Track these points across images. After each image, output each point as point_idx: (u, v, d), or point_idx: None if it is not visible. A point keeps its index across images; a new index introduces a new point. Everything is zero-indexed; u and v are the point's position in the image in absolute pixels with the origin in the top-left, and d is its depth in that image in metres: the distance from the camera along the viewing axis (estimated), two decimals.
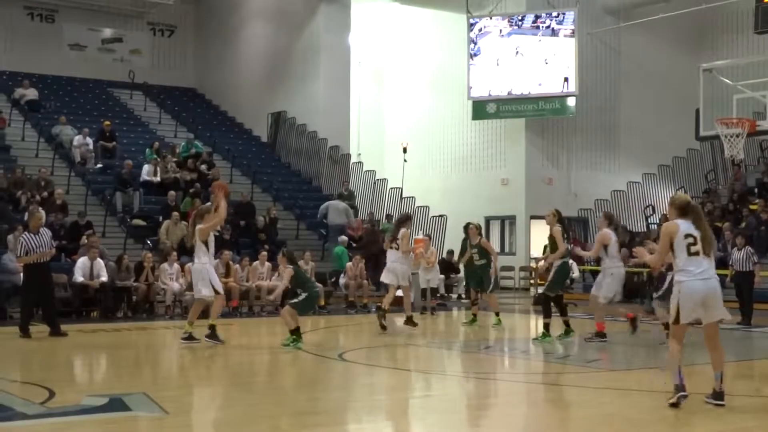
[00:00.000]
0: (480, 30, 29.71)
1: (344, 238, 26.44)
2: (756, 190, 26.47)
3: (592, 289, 15.07)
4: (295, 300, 14.02)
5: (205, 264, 13.84)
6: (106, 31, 35.08)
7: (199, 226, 13.84)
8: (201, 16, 36.31)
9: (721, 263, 21.65)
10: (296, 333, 13.78)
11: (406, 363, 13.32)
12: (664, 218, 26.85)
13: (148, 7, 34.65)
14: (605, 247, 14.30)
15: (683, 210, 8.95)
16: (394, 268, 16.58)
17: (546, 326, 14.76)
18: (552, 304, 15.08)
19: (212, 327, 13.96)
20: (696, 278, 8.79)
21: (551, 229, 14.93)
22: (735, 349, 13.08)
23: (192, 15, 36.53)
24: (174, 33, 36.40)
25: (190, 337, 13.91)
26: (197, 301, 14.35)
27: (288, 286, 14.04)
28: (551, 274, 14.98)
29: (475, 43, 29.73)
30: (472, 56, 29.79)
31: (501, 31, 29.50)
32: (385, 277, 16.72)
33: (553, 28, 28.92)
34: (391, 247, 16.74)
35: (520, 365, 13.19)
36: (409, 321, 16.90)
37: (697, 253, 8.80)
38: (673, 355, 8.92)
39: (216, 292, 13.98)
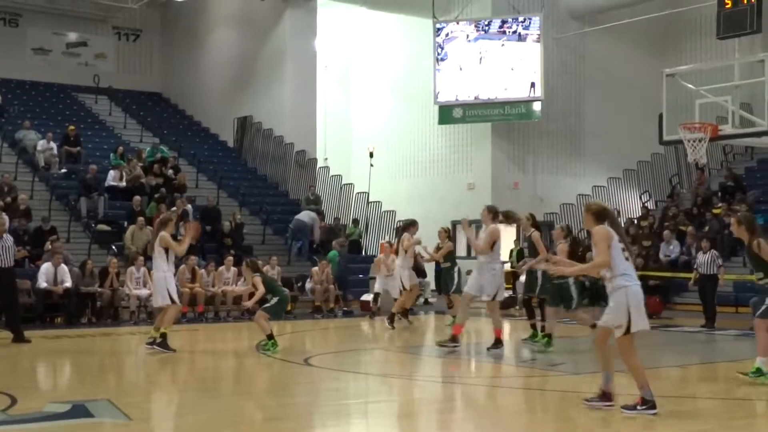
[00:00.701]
0: (447, 35, 29.79)
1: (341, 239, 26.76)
2: (719, 194, 26.74)
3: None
4: (267, 304, 14.07)
5: (164, 272, 13.72)
6: (70, 35, 34.81)
7: (161, 234, 13.75)
8: (166, 20, 36.14)
9: (685, 266, 21.91)
10: (272, 337, 13.83)
11: (372, 367, 13.31)
12: (630, 222, 27.07)
13: (113, 11, 34.41)
14: (493, 244, 14.03)
15: (600, 216, 8.83)
16: (399, 274, 17.53)
17: (542, 328, 14.84)
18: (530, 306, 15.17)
19: (164, 335, 13.79)
20: (637, 283, 8.73)
21: (530, 235, 14.87)
22: (698, 352, 13.18)
23: (157, 19, 36.35)
24: (139, 37, 36.19)
25: (153, 342, 13.81)
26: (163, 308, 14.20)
27: (265, 294, 14.10)
28: (540, 279, 14.90)
29: (442, 48, 29.81)
30: (438, 61, 29.86)
31: (468, 36, 29.58)
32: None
33: (519, 33, 29.04)
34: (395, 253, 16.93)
35: (486, 369, 13.22)
36: (391, 319, 17.69)
37: (627, 259, 8.78)
38: (637, 371, 8.65)
39: (172, 301, 13.82)
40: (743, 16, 18.71)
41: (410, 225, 17.36)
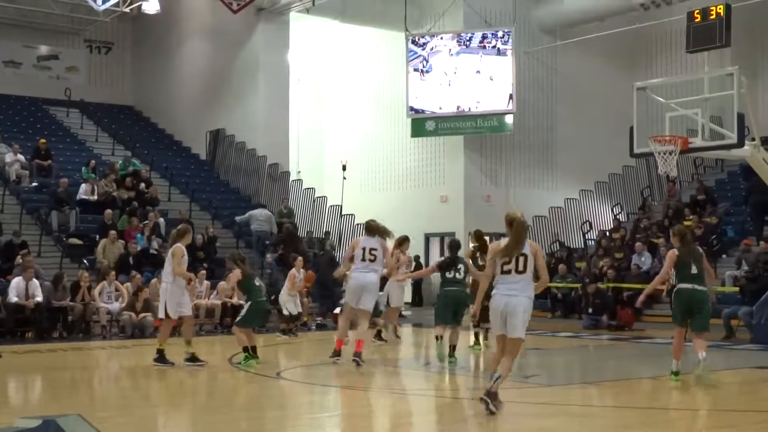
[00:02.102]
0: (432, 49, 29.85)
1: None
2: (690, 206, 26.92)
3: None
4: (239, 316, 14.01)
5: (168, 284, 13.32)
6: (41, 48, 34.62)
7: (176, 245, 13.38)
8: (138, 33, 36.02)
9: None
10: (250, 351, 13.61)
11: (345, 380, 13.26)
12: (602, 234, 27.23)
13: (85, 24, 34.28)
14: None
15: (509, 225, 9.31)
16: (388, 289, 17.28)
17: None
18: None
19: (160, 351, 13.58)
20: (501, 294, 9.16)
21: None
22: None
23: (129, 32, 36.23)
24: (111, 50, 36.04)
25: (192, 359, 13.55)
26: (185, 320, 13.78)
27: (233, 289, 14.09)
28: None
29: (427, 61, 29.85)
30: (423, 72, 29.88)
31: (450, 50, 29.68)
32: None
33: (498, 48, 29.14)
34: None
35: (458, 381, 13.21)
36: (379, 334, 17.54)
37: (509, 272, 9.13)
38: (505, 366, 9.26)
39: (167, 315, 13.43)
40: (712, 30, 18.85)
41: (403, 241, 17.18)
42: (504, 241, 9.29)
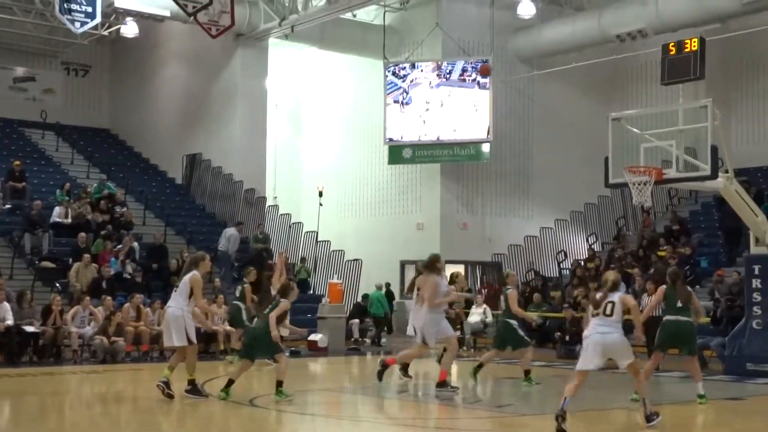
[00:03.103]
0: (412, 81, 29.91)
1: (380, 283, 27.16)
2: (665, 236, 27.03)
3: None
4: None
5: (183, 311, 12.65)
6: (18, 70, 34.48)
7: (194, 273, 12.68)
8: (116, 56, 35.96)
9: None
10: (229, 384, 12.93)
11: (318, 408, 13.19)
12: (576, 264, 27.30)
13: (62, 46, 34.19)
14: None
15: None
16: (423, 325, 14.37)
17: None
18: None
19: (192, 381, 12.90)
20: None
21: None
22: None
23: (107, 55, 36.16)
24: (88, 73, 35.94)
25: (167, 383, 12.73)
26: (179, 348, 12.97)
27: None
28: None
29: (407, 93, 29.90)
30: (403, 104, 29.92)
31: (430, 82, 29.74)
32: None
33: (479, 81, 29.23)
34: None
35: (432, 411, 13.16)
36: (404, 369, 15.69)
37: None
38: None
39: (189, 342, 12.78)
40: (687, 62, 19.00)
41: (435, 262, 14.85)
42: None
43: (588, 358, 10.55)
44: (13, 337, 18.61)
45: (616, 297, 10.79)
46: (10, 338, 18.57)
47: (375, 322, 26.07)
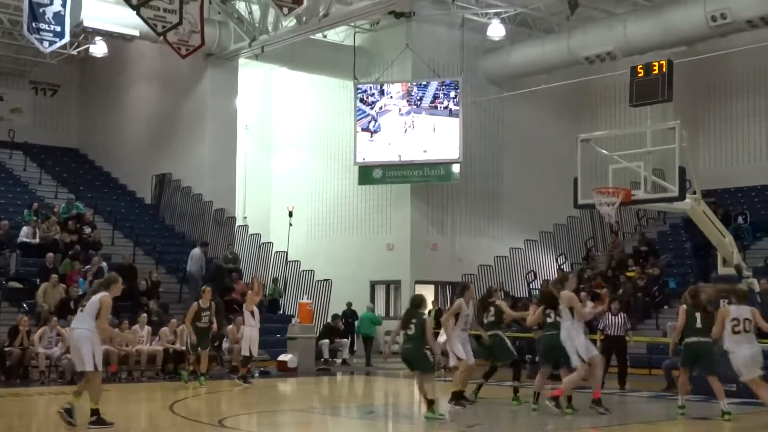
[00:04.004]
0: (381, 108, 30.04)
1: (371, 305, 28.01)
2: (633, 257, 27.26)
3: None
4: None
5: (91, 332, 11.63)
6: None
7: (103, 295, 11.72)
8: (85, 76, 35.85)
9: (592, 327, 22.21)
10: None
11: (288, 429, 13.18)
12: (545, 284, 27.41)
13: (30, 65, 34.05)
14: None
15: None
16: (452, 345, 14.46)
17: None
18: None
19: (96, 411, 11.86)
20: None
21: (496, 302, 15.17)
22: (611, 414, 13.33)
23: (76, 75, 36.04)
24: (57, 92, 35.79)
25: (71, 410, 11.78)
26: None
27: None
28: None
29: (376, 120, 30.01)
30: (372, 132, 30.02)
31: (400, 110, 29.87)
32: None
33: (450, 109, 29.39)
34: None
35: (401, 430, 13.18)
36: (459, 397, 14.55)
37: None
38: None
39: (95, 367, 11.70)
40: (655, 85, 19.29)
41: (465, 289, 14.97)
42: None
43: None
44: None
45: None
46: None
47: (364, 341, 26.64)
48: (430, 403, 12.89)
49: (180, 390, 17.37)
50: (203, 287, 19.64)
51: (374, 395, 18.20)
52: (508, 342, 15.26)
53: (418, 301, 13.49)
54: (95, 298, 11.77)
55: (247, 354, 19.03)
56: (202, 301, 18.67)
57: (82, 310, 11.91)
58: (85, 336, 11.64)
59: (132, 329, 20.68)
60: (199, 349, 18.57)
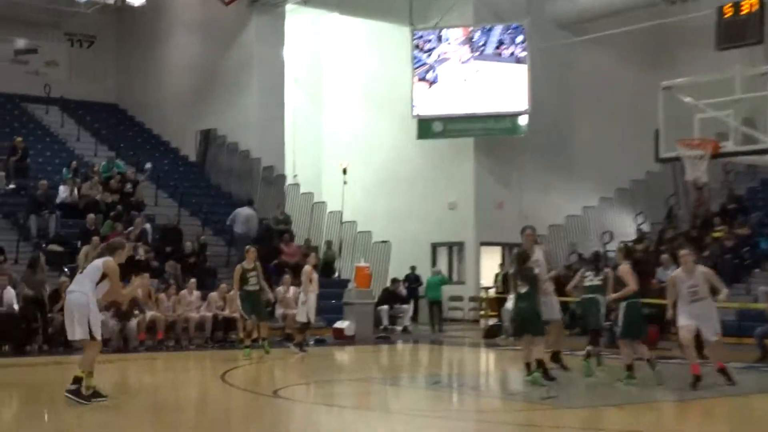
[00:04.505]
0: (439, 56, 29.84)
1: (437, 269, 27.93)
2: (719, 215, 26.80)
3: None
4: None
5: (89, 299, 11.33)
6: (19, 42, 34.56)
7: (107, 259, 11.49)
8: (122, 26, 35.97)
9: None
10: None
11: (346, 400, 13.20)
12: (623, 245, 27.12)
13: (66, 16, 34.24)
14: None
15: None
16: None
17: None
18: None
19: (79, 380, 11.47)
20: None
21: (619, 268, 14.12)
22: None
23: (113, 25, 36.17)
24: (93, 44, 35.99)
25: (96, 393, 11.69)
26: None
27: None
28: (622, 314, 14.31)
29: (434, 70, 29.84)
30: (430, 83, 29.87)
31: (461, 58, 29.64)
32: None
33: (517, 56, 29.10)
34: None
35: (469, 403, 13.15)
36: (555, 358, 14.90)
37: None
38: None
39: (92, 337, 11.39)
40: (744, 25, 18.93)
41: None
42: None
43: None
44: (20, 325, 18.71)
45: None
46: (15, 325, 18.68)
47: (430, 307, 26.65)
48: (540, 365, 13.25)
49: (230, 360, 17.45)
50: (247, 247, 19.54)
51: (440, 365, 18.16)
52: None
53: (525, 256, 13.56)
54: (98, 262, 11.55)
55: (305, 320, 19.10)
56: (246, 262, 18.40)
57: (81, 272, 11.77)
58: (80, 301, 11.34)
59: (180, 295, 20.88)
60: (254, 317, 18.35)
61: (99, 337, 11.46)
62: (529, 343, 13.35)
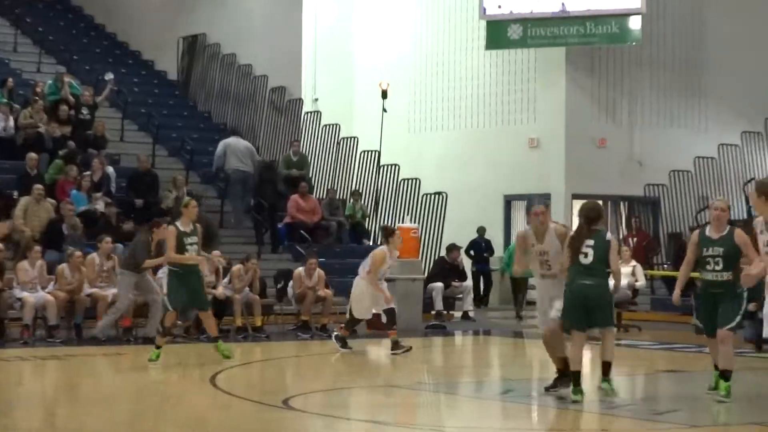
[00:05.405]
0: None
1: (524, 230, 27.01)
2: None
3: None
4: None
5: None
6: None
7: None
8: None
9: None
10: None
11: (378, 413, 13.17)
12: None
13: None
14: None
15: None
16: None
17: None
18: None
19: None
20: None
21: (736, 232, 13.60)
22: None
23: None
24: None
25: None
26: None
27: None
28: None
29: None
30: None
31: None
32: None
33: None
34: None
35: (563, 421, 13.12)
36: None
37: None
38: None
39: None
40: None
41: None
42: None
43: None
44: None
45: None
46: None
47: (513, 285, 26.64)
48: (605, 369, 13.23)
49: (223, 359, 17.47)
50: (186, 199, 17.71)
51: (514, 367, 18.10)
52: None
53: (595, 212, 12.80)
54: None
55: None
56: (182, 222, 16.47)
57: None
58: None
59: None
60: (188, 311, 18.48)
61: None
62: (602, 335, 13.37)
